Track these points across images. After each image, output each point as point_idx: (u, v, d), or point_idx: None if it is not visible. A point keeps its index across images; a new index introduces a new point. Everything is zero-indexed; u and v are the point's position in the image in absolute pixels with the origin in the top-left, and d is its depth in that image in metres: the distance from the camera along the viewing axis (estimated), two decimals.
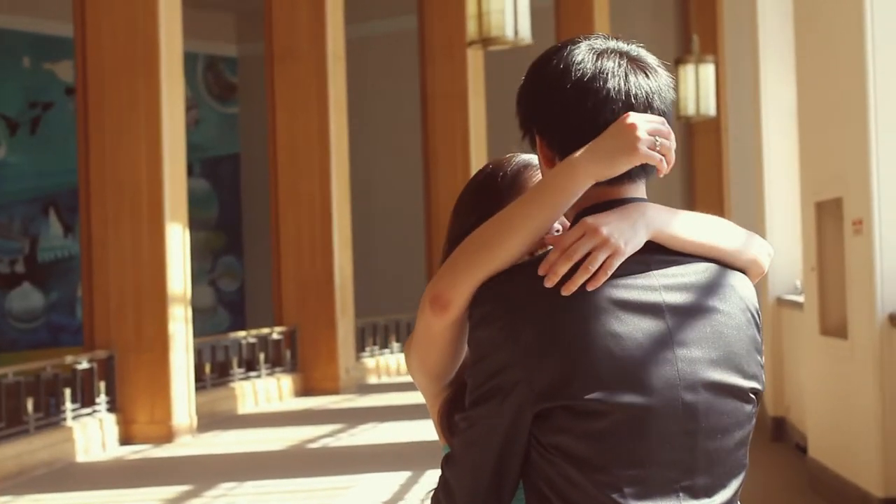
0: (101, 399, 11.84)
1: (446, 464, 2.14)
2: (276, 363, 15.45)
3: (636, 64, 2.15)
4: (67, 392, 11.36)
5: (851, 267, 7.83)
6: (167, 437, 11.91)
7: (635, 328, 2.04)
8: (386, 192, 23.04)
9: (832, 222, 8.36)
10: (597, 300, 2.04)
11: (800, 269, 10.03)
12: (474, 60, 18.33)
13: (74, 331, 19.77)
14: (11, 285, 20.66)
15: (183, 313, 12.15)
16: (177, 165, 12.14)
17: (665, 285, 2.09)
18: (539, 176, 2.33)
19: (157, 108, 11.92)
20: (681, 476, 2.07)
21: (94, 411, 11.75)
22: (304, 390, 15.53)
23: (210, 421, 13.19)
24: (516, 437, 2.06)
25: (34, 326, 20.83)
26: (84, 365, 11.71)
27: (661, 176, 2.13)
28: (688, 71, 17.63)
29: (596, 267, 2.03)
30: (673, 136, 2.09)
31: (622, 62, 2.14)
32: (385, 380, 17.23)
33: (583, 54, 2.14)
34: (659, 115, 2.12)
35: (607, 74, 2.12)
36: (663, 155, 2.08)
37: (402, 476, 9.70)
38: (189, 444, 11.88)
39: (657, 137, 2.06)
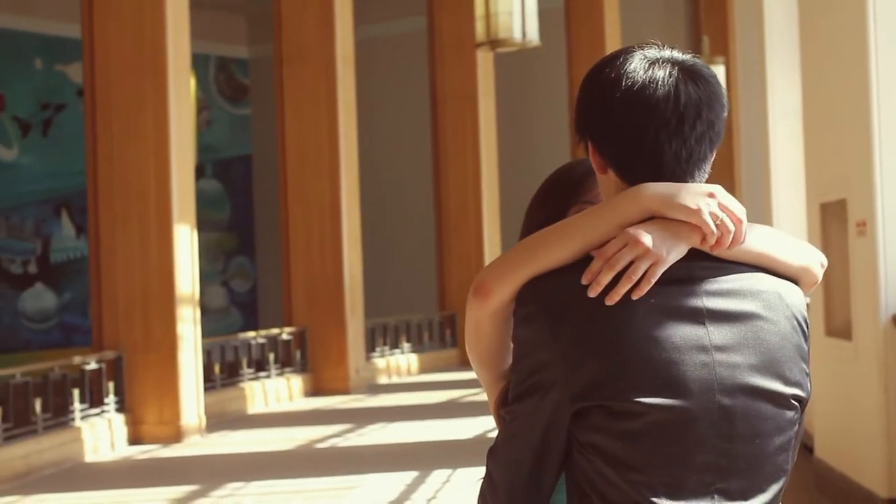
0: (110, 399, 11.89)
1: (490, 456, 2.20)
2: (285, 363, 15.49)
3: (687, 74, 2.17)
4: (76, 392, 11.41)
5: (855, 268, 7.85)
6: (176, 437, 11.95)
7: (673, 332, 2.07)
8: (396, 192, 23.07)
9: (837, 224, 8.37)
10: (636, 304, 2.08)
11: None
12: (484, 61, 18.37)
13: (87, 331, 19.82)
14: (24, 286, 20.75)
15: (191, 314, 12.19)
16: (185, 167, 12.18)
17: (707, 291, 2.11)
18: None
19: (164, 110, 11.96)
20: (716, 479, 2.10)
21: (103, 411, 11.80)
22: (314, 390, 15.56)
23: (219, 421, 13.23)
24: (555, 434, 2.11)
25: (47, 327, 20.92)
26: (92, 365, 11.76)
27: (715, 246, 2.12)
28: None
29: (638, 276, 2.07)
30: (742, 223, 2.11)
31: (673, 71, 2.16)
32: (395, 380, 17.26)
33: (635, 63, 2.18)
34: (707, 123, 2.15)
35: (657, 84, 2.15)
36: (720, 231, 2.10)
37: (409, 476, 9.73)
38: (197, 445, 11.92)
39: (723, 215, 2.10)
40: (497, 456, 2.18)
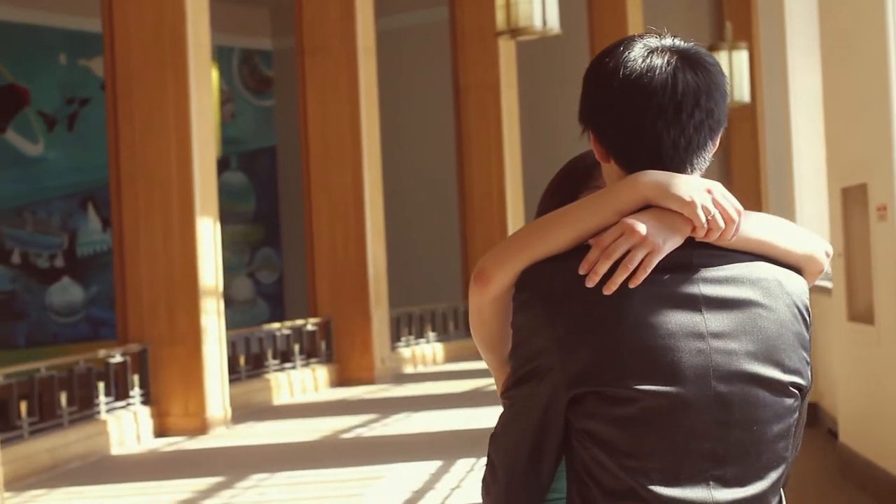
0: (136, 392, 11.93)
1: (491, 441, 2.22)
2: (311, 354, 15.52)
3: (686, 61, 2.18)
4: (101, 385, 11.45)
5: (877, 252, 7.82)
6: (201, 429, 11.99)
7: (669, 319, 2.09)
8: (420, 182, 23.08)
9: (858, 208, 8.34)
10: (632, 291, 2.09)
11: None
12: (506, 50, 18.35)
13: (114, 324, 19.84)
14: (51, 280, 20.84)
15: (215, 306, 12.22)
16: (206, 159, 12.21)
17: (705, 278, 2.12)
18: None
19: (185, 102, 11.99)
20: (712, 465, 2.11)
21: (129, 404, 11.84)
22: (340, 381, 15.59)
23: (245, 412, 13.27)
24: (552, 420, 2.13)
25: (75, 320, 21.01)
26: (117, 358, 11.80)
27: (704, 238, 2.14)
28: (721, 57, 17.57)
29: (634, 265, 2.09)
30: (735, 221, 2.12)
31: (672, 59, 2.17)
32: (421, 369, 17.27)
33: (634, 52, 2.19)
34: (706, 112, 2.16)
35: (655, 72, 2.16)
36: (710, 226, 2.11)
37: (434, 465, 9.74)
38: (223, 436, 11.96)
39: (716, 211, 2.11)
40: (497, 441, 2.20)
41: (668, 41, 2.22)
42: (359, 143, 15.53)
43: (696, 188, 2.13)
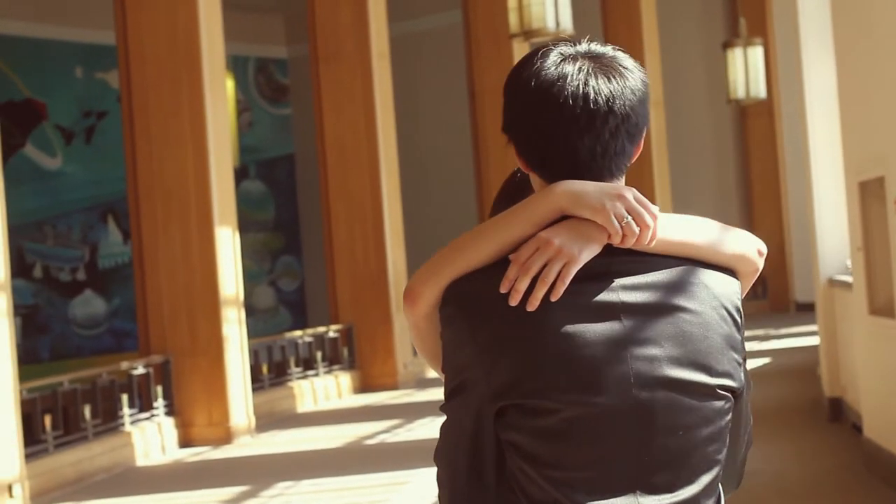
0: (159, 403, 11.96)
1: (434, 456, 2.22)
2: (333, 361, 15.53)
3: (599, 67, 2.16)
4: (125, 398, 11.49)
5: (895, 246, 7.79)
6: (226, 438, 12.01)
7: (588, 329, 2.08)
8: (438, 186, 23.09)
9: (876, 202, 8.32)
10: (551, 303, 2.08)
11: (849, 249, 9.98)
12: (521, 53, 18.32)
13: (137, 336, 19.96)
14: (74, 293, 20.89)
15: (236, 315, 12.25)
16: (224, 169, 12.24)
17: (624, 285, 2.11)
18: None
19: (201, 113, 12.02)
20: (638, 472, 2.10)
21: (153, 415, 11.88)
22: (363, 387, 15.60)
23: (269, 421, 13.29)
24: (485, 432, 2.12)
25: (98, 333, 21.06)
26: (140, 370, 11.83)
27: (620, 245, 2.12)
28: (736, 54, 17.56)
29: (552, 278, 2.08)
30: (650, 226, 2.10)
31: (584, 66, 2.16)
32: None
33: (548, 61, 2.17)
34: (621, 117, 2.14)
35: (567, 80, 2.14)
36: (625, 234, 2.10)
37: None
38: (248, 445, 11.98)
39: (629, 217, 2.09)
40: (438, 454, 2.21)
41: (583, 47, 2.20)
42: (375, 149, 15.54)
43: (608, 195, 2.11)
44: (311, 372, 15.01)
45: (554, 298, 2.07)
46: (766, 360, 15.37)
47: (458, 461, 2.16)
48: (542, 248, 2.10)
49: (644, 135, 2.22)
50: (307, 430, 12.85)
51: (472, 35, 18.50)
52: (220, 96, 12.41)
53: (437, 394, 15.08)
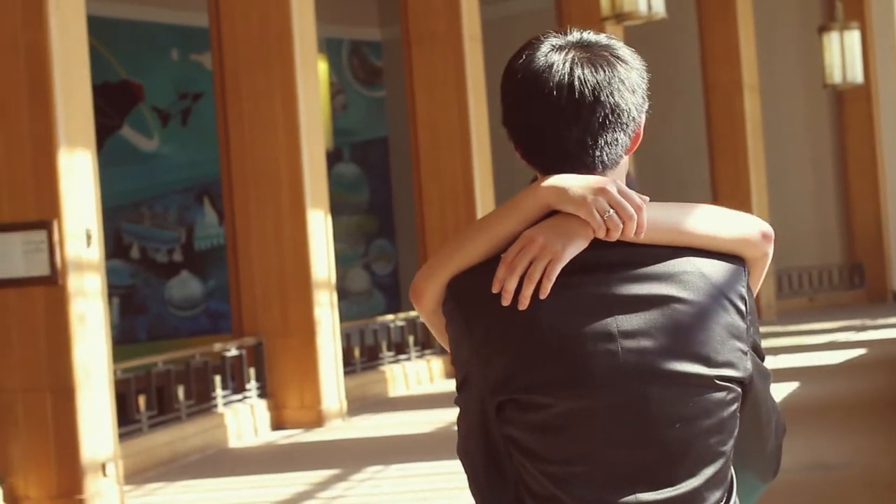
0: (252, 385, 12.05)
1: (456, 448, 2.26)
2: (425, 345, 15.53)
3: (587, 57, 2.15)
4: (218, 379, 11.58)
5: None
6: (317, 421, 12.07)
7: (578, 323, 2.08)
8: (528, 171, 23.01)
9: None
10: (541, 301, 2.08)
11: None
12: (614, 33, 18.20)
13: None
14: (170, 274, 21.09)
15: (328, 298, 12.29)
16: (316, 152, 12.28)
17: (617, 278, 2.10)
18: None
19: (293, 96, 12.06)
20: (636, 466, 2.09)
21: (245, 397, 11.96)
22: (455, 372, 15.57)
23: (361, 405, 13.33)
24: (489, 425, 2.14)
25: (194, 314, 21.26)
26: (233, 352, 11.92)
27: (606, 238, 2.11)
28: (832, 38, 17.37)
29: (538, 276, 2.08)
30: (633, 217, 2.08)
31: (570, 55, 2.15)
32: None
33: (538, 51, 2.17)
34: (610, 108, 2.13)
35: (552, 70, 2.14)
36: (608, 227, 2.08)
37: None
38: (339, 428, 12.03)
39: (611, 210, 2.08)
40: (458, 448, 2.23)
41: (574, 37, 2.19)
42: (467, 131, 15.51)
43: (591, 189, 2.10)
44: (402, 356, 15.03)
45: (542, 296, 2.07)
46: (861, 352, 15.16)
47: (474, 454, 2.18)
48: (527, 246, 2.10)
49: (640, 124, 2.20)
50: (398, 414, 12.87)
51: (564, 18, 18.40)
52: (312, 79, 12.45)
53: None
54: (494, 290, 2.09)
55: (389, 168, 24.78)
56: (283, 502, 8.98)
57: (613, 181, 2.11)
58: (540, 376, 2.07)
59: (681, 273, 2.11)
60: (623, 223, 2.08)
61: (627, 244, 2.11)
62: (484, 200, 15.68)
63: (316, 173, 12.28)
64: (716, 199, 20.12)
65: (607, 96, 2.12)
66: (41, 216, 8.57)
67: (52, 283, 8.57)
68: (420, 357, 15.28)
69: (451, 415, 11.80)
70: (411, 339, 15.21)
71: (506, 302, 2.08)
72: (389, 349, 14.86)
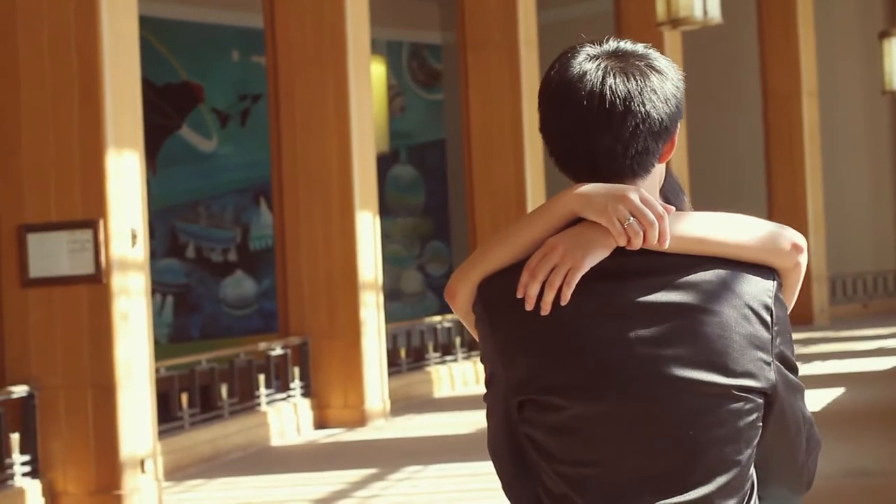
0: (296, 384, 12.16)
1: (487, 444, 2.31)
2: (472, 347, 15.58)
3: (619, 66, 2.17)
4: (261, 378, 11.70)
5: None
6: (360, 421, 12.17)
7: (598, 329, 2.12)
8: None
9: None
10: (562, 306, 2.12)
11: None
12: (671, 40, 18.17)
13: None
14: (224, 273, 21.26)
15: (374, 300, 12.39)
16: (366, 155, 12.39)
17: (638, 286, 2.12)
18: None
19: (345, 100, 12.17)
20: (647, 471, 2.12)
21: (289, 396, 12.08)
22: None
23: (405, 405, 13.42)
24: (512, 423, 2.19)
25: (247, 313, 21.41)
26: (278, 351, 12.05)
27: (628, 246, 2.13)
28: (893, 44, 17.25)
29: (557, 284, 2.12)
30: (654, 225, 2.11)
31: (603, 65, 2.17)
32: None
33: (573, 60, 2.20)
34: (640, 117, 2.15)
35: (584, 79, 2.16)
36: (629, 235, 2.11)
37: None
38: (381, 428, 12.12)
39: (632, 218, 2.11)
40: (488, 446, 2.28)
41: (609, 46, 2.21)
42: (520, 137, 15.55)
43: (613, 197, 2.13)
44: (449, 357, 15.10)
45: (563, 303, 2.11)
46: None
47: (501, 451, 2.23)
48: (549, 253, 2.14)
49: (673, 134, 2.22)
50: (442, 415, 12.94)
51: (622, 23, 18.41)
52: (365, 83, 12.55)
53: None
54: (518, 295, 2.13)
55: (446, 170, 24.85)
56: (320, 500, 9.07)
57: (637, 189, 2.13)
58: (558, 379, 2.11)
59: (703, 282, 2.12)
60: (644, 231, 2.11)
61: (651, 253, 2.12)
62: (535, 205, 15.69)
63: (366, 176, 12.39)
64: (771, 206, 20.05)
65: (638, 105, 2.14)
66: (87, 216, 8.71)
67: (96, 282, 8.71)
68: (466, 358, 15.34)
69: None
70: (458, 341, 15.28)
71: (529, 307, 2.12)
72: (436, 350, 14.93)
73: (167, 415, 10.45)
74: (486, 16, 15.77)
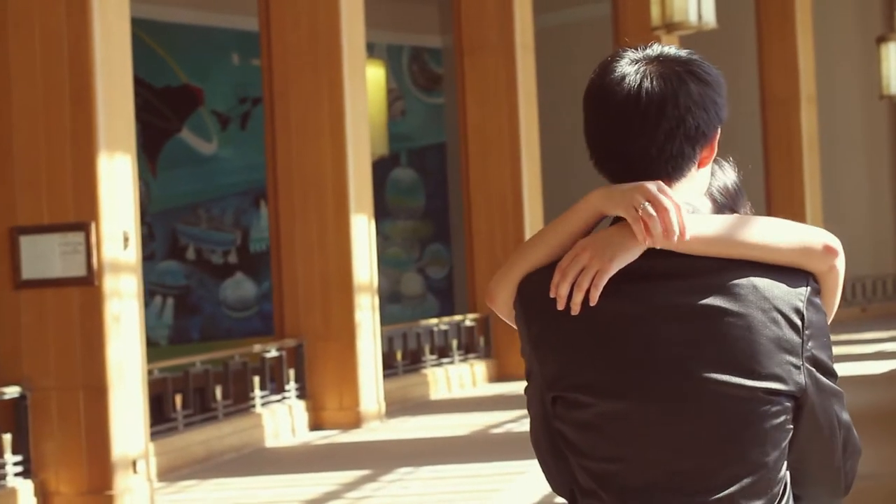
0: (291, 386, 12.20)
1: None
2: (469, 349, 15.63)
3: (658, 71, 2.21)
4: (256, 379, 11.74)
5: None
6: (355, 423, 12.21)
7: (624, 329, 2.17)
8: (580, 182, 22.97)
9: None
10: (592, 307, 2.18)
11: None
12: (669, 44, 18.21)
13: None
14: (225, 275, 21.31)
15: (370, 302, 12.43)
16: (361, 158, 12.43)
17: (665, 288, 2.16)
18: None
19: (340, 102, 12.22)
20: (670, 469, 2.16)
21: (284, 398, 12.12)
22: (498, 376, 15.67)
23: (401, 407, 13.46)
24: (548, 416, 2.27)
25: (247, 315, 21.45)
26: (273, 353, 12.09)
27: (651, 245, 2.18)
28: (890, 49, 17.26)
29: (586, 285, 2.17)
30: (668, 209, 2.14)
31: (643, 68, 2.21)
32: None
33: (615, 64, 2.25)
34: (676, 120, 2.19)
35: (623, 82, 2.21)
36: (644, 220, 2.15)
37: None
38: (376, 430, 12.16)
39: (646, 203, 2.16)
40: (530, 437, 2.35)
41: (653, 51, 2.25)
42: (517, 141, 15.59)
43: (630, 188, 2.19)
44: (445, 360, 15.13)
45: (591, 303, 2.17)
46: None
47: (540, 442, 2.31)
48: (578, 255, 2.20)
49: (712, 140, 2.26)
50: (437, 417, 12.98)
51: (620, 27, 18.43)
52: (360, 86, 12.59)
53: None
54: (551, 295, 2.20)
55: (446, 174, 24.89)
56: (311, 501, 9.11)
57: (657, 183, 2.18)
58: (585, 377, 2.17)
59: (731, 285, 2.15)
60: (660, 217, 2.14)
61: (680, 256, 2.16)
62: (532, 210, 15.76)
63: (361, 179, 12.43)
64: (769, 210, 20.07)
65: (672, 109, 2.18)
66: (79, 218, 8.75)
67: (88, 284, 8.75)
68: (463, 360, 15.37)
69: (489, 418, 11.89)
70: (454, 343, 15.30)
71: (560, 307, 2.18)
72: (433, 352, 14.97)
73: (161, 416, 10.49)
74: (483, 20, 15.83)
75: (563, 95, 22.66)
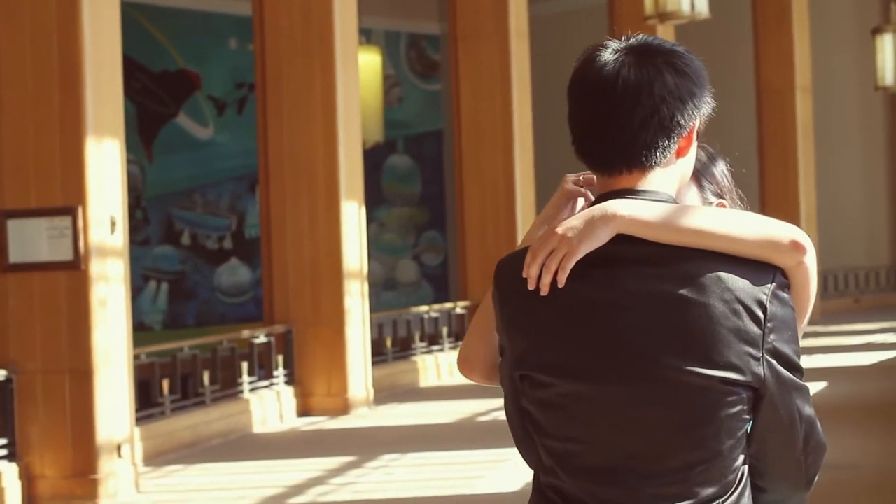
0: (279, 372, 12.23)
1: None
2: (459, 337, 15.63)
3: (636, 59, 2.24)
4: (244, 365, 11.76)
5: None
6: (343, 409, 12.24)
7: (588, 313, 2.21)
8: (574, 170, 23.01)
9: None
10: (560, 289, 2.21)
11: None
12: (664, 35, 18.16)
13: None
14: (220, 261, 21.30)
15: (359, 289, 12.46)
16: (353, 144, 12.45)
17: (630, 274, 2.20)
18: None
19: (332, 88, 12.24)
20: (626, 452, 2.20)
21: (272, 384, 12.15)
22: None
23: (390, 394, 13.49)
24: (517, 393, 2.31)
25: (242, 301, 21.45)
26: (261, 339, 12.12)
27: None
28: (886, 40, 17.29)
29: (553, 267, 2.21)
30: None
31: (622, 58, 2.25)
32: None
33: (597, 53, 2.28)
34: (650, 109, 2.22)
35: (602, 72, 2.25)
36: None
37: None
38: (364, 417, 12.20)
39: (581, 176, 2.39)
40: (504, 410, 2.40)
41: (635, 41, 2.28)
42: (510, 130, 15.61)
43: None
44: (435, 347, 15.16)
45: (559, 285, 2.20)
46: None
47: (511, 416, 2.36)
48: (548, 238, 2.24)
49: (689, 129, 2.28)
50: (425, 404, 13.02)
51: (615, 17, 18.42)
52: (352, 72, 12.61)
53: None
54: (524, 276, 2.23)
55: (443, 161, 24.87)
56: (295, 487, 9.15)
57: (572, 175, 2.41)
58: (549, 357, 2.21)
59: (695, 275, 2.17)
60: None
61: (648, 243, 2.19)
62: (524, 197, 15.78)
63: (352, 166, 12.46)
64: (764, 201, 20.09)
65: (647, 98, 2.21)
66: (67, 202, 8.78)
67: (74, 268, 8.79)
68: (453, 348, 15.38)
69: (477, 406, 11.91)
70: (444, 331, 15.33)
71: (530, 287, 2.22)
72: (423, 340, 14.99)
73: (149, 401, 10.52)
74: (478, 7, 15.83)
75: (558, 84, 22.66)
